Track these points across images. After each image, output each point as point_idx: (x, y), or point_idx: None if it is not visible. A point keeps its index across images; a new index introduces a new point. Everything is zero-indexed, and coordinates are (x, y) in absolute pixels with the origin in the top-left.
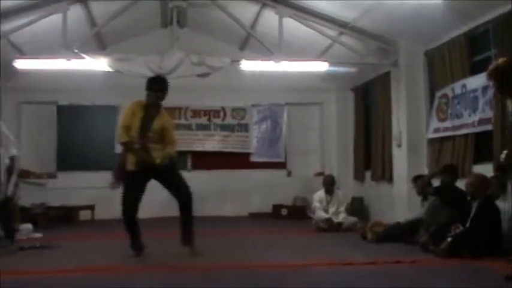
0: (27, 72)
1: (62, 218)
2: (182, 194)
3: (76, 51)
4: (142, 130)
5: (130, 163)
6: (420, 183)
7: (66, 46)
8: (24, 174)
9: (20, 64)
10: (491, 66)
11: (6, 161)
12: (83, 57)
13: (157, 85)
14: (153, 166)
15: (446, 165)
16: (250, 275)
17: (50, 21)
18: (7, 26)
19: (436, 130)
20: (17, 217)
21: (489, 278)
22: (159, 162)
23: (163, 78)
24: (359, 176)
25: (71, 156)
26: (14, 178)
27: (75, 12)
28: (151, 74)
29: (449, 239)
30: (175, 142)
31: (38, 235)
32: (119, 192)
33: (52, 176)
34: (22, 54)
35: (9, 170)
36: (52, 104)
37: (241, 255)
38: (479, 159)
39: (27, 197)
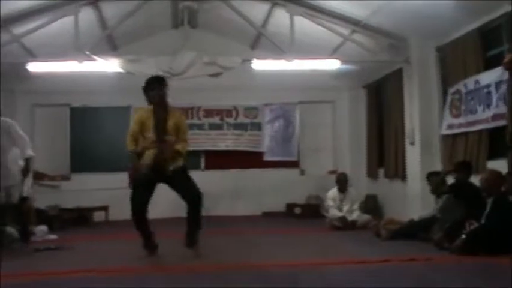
0: (39, 75)
1: (76, 219)
2: (191, 196)
3: (87, 53)
4: (159, 134)
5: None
6: (434, 182)
7: (77, 48)
8: (39, 177)
9: (33, 67)
10: (507, 58)
11: (21, 162)
12: (95, 59)
13: (155, 84)
14: (163, 171)
15: (460, 162)
16: (264, 274)
17: (61, 24)
18: (19, 29)
19: (450, 126)
20: (32, 219)
21: (505, 275)
22: (169, 168)
23: (159, 77)
24: (372, 174)
25: (84, 158)
26: (29, 179)
27: (86, 14)
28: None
29: (463, 236)
30: (187, 141)
31: (53, 237)
32: None
33: (66, 178)
34: (34, 57)
35: (24, 172)
36: (65, 106)
37: (255, 255)
38: (493, 155)
39: (42, 199)
